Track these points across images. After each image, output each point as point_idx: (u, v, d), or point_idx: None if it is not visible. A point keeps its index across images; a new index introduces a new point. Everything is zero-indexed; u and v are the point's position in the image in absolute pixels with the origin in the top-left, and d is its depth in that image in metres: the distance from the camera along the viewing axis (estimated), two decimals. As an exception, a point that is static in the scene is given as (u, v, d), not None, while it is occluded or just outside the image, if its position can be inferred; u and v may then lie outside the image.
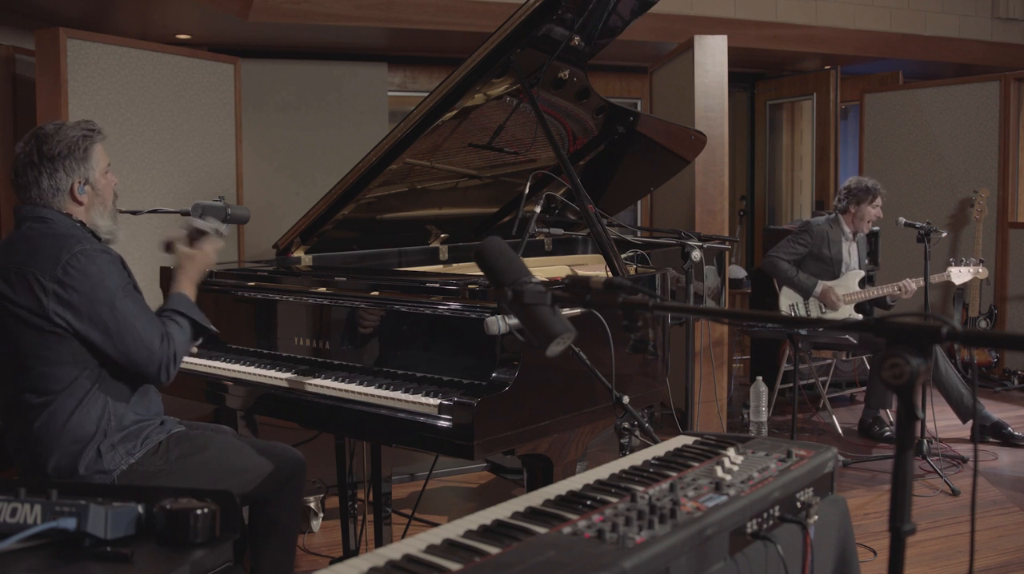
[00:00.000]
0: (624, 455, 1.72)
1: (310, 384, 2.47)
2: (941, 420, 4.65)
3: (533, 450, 2.26)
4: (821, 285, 4.83)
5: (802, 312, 4.87)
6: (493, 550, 1.19)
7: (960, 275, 4.67)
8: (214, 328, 2.36)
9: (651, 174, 4.04)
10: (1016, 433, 4.68)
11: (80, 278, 2.08)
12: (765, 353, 5.58)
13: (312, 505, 3.50)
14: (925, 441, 4.18)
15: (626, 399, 1.92)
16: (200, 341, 2.38)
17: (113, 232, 2.30)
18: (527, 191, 3.12)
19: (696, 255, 3.34)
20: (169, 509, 1.58)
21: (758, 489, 1.43)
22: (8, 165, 2.25)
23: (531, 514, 1.34)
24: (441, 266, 3.59)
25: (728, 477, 1.47)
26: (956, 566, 3.17)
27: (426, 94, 2.84)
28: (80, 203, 2.21)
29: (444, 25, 5.43)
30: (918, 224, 4.25)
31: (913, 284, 4.63)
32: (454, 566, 1.15)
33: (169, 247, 2.42)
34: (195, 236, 2.42)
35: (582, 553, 1.16)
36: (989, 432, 4.73)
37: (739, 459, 1.59)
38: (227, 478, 2.24)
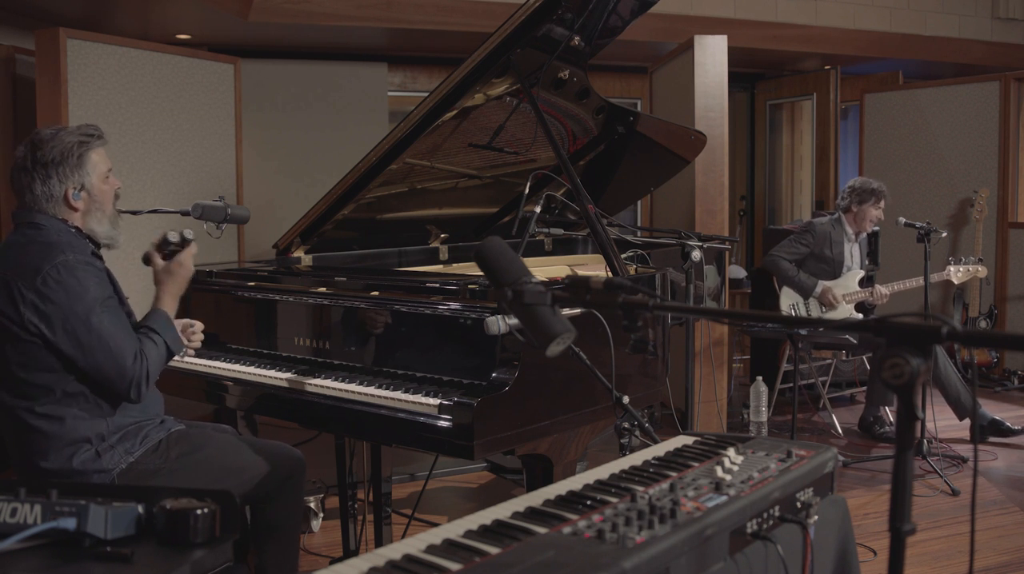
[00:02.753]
0: (624, 455, 1.71)
1: (310, 384, 2.47)
2: (941, 420, 4.65)
3: (533, 450, 2.26)
4: (821, 285, 4.84)
5: (802, 312, 4.87)
6: (493, 550, 1.19)
7: (959, 274, 4.68)
8: (182, 351, 2.34)
9: (651, 174, 4.05)
10: (1015, 427, 4.69)
11: (58, 289, 2.06)
12: (765, 353, 5.57)
13: (312, 505, 3.50)
14: (925, 441, 4.18)
15: (626, 399, 1.92)
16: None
17: (112, 237, 2.28)
18: (527, 191, 3.12)
19: (696, 255, 3.34)
20: (169, 509, 1.58)
21: (758, 489, 1.43)
22: (8, 166, 2.24)
23: (531, 514, 1.34)
24: (441, 266, 3.59)
25: (728, 477, 1.47)
26: (956, 566, 3.17)
27: (426, 94, 2.83)
28: (75, 209, 2.19)
29: (444, 25, 5.43)
30: (918, 224, 4.26)
31: (884, 289, 4.69)
32: (454, 566, 1.15)
33: (147, 260, 2.37)
34: (166, 251, 2.35)
35: (582, 553, 1.16)
36: (987, 430, 4.73)
37: (739, 459, 1.59)
38: (226, 477, 2.24)
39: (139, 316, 2.32)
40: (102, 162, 2.23)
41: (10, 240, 2.17)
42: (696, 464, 1.57)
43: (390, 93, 6.04)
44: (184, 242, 2.35)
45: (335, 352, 2.59)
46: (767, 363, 5.41)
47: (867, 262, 5.15)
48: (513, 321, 1.90)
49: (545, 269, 3.53)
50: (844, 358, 5.39)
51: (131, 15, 5.06)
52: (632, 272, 3.04)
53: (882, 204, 4.86)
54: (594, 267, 3.68)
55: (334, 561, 2.19)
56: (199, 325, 2.45)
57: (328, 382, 2.45)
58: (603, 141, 3.61)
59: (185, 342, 2.37)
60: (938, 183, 6.57)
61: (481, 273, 1.53)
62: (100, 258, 2.25)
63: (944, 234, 4.63)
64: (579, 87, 3.18)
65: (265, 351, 2.79)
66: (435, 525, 1.41)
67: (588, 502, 1.37)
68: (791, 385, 4.36)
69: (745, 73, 7.94)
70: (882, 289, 4.72)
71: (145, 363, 2.14)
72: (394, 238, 3.58)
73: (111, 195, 2.26)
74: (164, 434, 2.27)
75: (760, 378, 4.25)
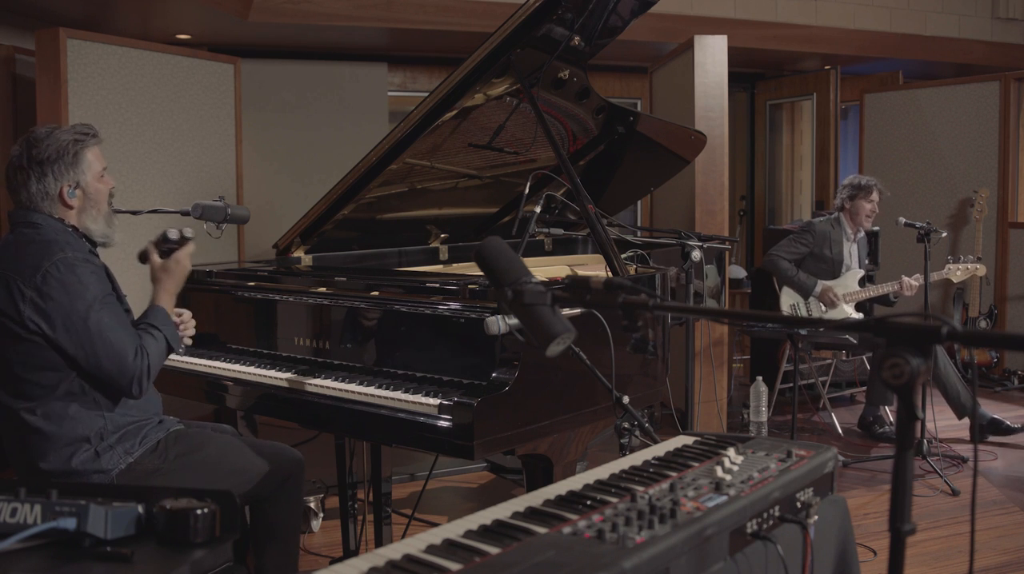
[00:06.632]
0: (624, 455, 1.71)
1: (310, 384, 2.47)
2: (941, 420, 4.65)
3: (533, 450, 2.26)
4: (821, 285, 4.83)
5: (803, 312, 4.87)
6: (493, 550, 1.19)
7: (957, 273, 4.67)
8: (181, 347, 2.35)
9: (651, 174, 4.04)
10: (1014, 425, 4.68)
11: (58, 287, 2.07)
12: (765, 353, 5.57)
13: (312, 505, 3.50)
14: (925, 441, 4.18)
15: (626, 399, 1.92)
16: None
17: (108, 236, 2.29)
18: (527, 191, 3.12)
19: (696, 255, 3.34)
20: (169, 509, 1.58)
21: (758, 489, 1.43)
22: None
23: (531, 514, 1.34)
24: (441, 266, 3.59)
25: (728, 477, 1.47)
26: (956, 566, 3.17)
27: (426, 94, 2.83)
28: (70, 207, 2.20)
29: (444, 25, 5.43)
30: (918, 224, 4.25)
31: (913, 280, 4.62)
32: (454, 566, 1.15)
33: (143, 258, 2.38)
34: (165, 249, 2.36)
35: (582, 553, 1.16)
36: (986, 429, 4.73)
37: (739, 459, 1.59)
38: (225, 477, 2.24)
39: (136, 314, 2.32)
40: (97, 161, 2.24)
41: (7, 239, 2.18)
42: (696, 464, 1.57)
43: (390, 93, 6.04)
44: (183, 240, 2.37)
45: (335, 352, 2.59)
46: (767, 363, 5.41)
47: (867, 262, 5.14)
48: (513, 321, 1.90)
49: (545, 269, 3.52)
50: (844, 358, 5.39)
51: (131, 15, 5.06)
52: (632, 272, 3.04)
53: (873, 196, 4.84)
54: (594, 267, 3.68)
55: (334, 561, 2.19)
56: (188, 314, 2.43)
57: (328, 382, 2.44)
58: (603, 141, 3.61)
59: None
60: (938, 183, 6.57)
61: (481, 273, 1.53)
62: (96, 256, 2.25)
63: (944, 234, 4.63)
64: (579, 87, 3.18)
65: (265, 351, 2.79)
66: (435, 525, 1.41)
67: (588, 502, 1.37)
68: (791, 385, 4.36)
69: (745, 73, 7.94)
70: (910, 280, 4.60)
71: (146, 358, 2.15)
72: (394, 238, 3.58)
73: (106, 194, 2.28)
74: (163, 434, 2.27)
75: (760, 378, 4.25)
